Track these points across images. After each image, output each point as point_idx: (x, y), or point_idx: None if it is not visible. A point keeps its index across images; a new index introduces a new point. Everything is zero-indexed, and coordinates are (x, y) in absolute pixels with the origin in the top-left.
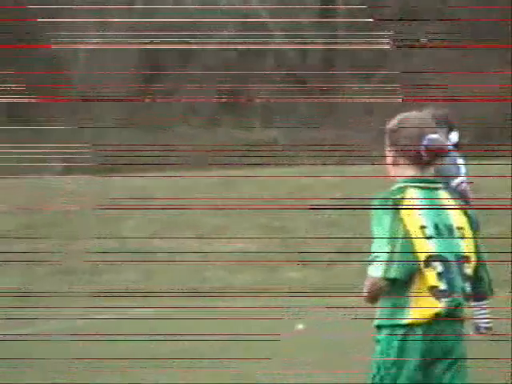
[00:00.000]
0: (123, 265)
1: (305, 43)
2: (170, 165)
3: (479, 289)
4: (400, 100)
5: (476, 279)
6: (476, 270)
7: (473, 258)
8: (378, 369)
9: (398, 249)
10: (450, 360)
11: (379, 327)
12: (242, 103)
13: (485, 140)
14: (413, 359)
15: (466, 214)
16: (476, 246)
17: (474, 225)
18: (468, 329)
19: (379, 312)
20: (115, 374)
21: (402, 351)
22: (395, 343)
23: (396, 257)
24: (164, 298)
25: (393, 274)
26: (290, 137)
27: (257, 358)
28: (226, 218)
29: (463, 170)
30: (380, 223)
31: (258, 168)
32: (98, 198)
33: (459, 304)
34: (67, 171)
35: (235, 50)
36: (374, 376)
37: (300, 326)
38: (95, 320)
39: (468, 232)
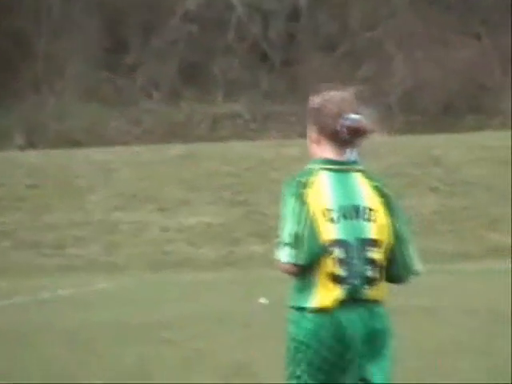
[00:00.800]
0: (87, 238)
1: (267, 17)
2: (135, 139)
3: (396, 271)
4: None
5: (393, 261)
6: (393, 252)
7: (384, 240)
8: (290, 348)
9: (303, 233)
10: (369, 346)
11: (291, 307)
12: (205, 77)
13: (449, 113)
14: (323, 342)
15: (382, 194)
16: (394, 227)
17: (391, 207)
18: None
19: (291, 293)
20: (82, 346)
21: (311, 334)
22: (304, 325)
23: (302, 242)
24: (128, 270)
25: (298, 260)
26: (253, 111)
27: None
28: (189, 192)
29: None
30: (288, 206)
31: (222, 142)
32: (61, 172)
33: (358, 289)
34: (31, 146)
35: (197, 23)
36: (287, 356)
37: (263, 300)
38: (61, 293)
39: (380, 214)
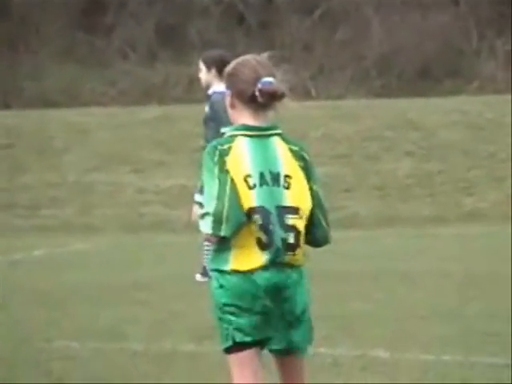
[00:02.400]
0: (62, 199)
1: None
2: (110, 100)
3: (317, 235)
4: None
5: (312, 226)
6: (312, 217)
7: (303, 206)
8: (215, 309)
9: (225, 202)
10: (289, 308)
11: (212, 270)
12: (181, 39)
13: (426, 77)
14: (240, 303)
15: (300, 158)
16: (312, 191)
17: (308, 171)
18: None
19: (211, 256)
20: (56, 307)
21: (228, 294)
22: (224, 286)
23: (223, 211)
24: (103, 232)
25: (222, 232)
26: None
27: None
28: (164, 154)
29: None
30: (208, 176)
31: (198, 104)
32: (36, 133)
33: (280, 255)
34: (5, 106)
35: None
36: (215, 315)
37: None
38: (35, 253)
39: (299, 180)
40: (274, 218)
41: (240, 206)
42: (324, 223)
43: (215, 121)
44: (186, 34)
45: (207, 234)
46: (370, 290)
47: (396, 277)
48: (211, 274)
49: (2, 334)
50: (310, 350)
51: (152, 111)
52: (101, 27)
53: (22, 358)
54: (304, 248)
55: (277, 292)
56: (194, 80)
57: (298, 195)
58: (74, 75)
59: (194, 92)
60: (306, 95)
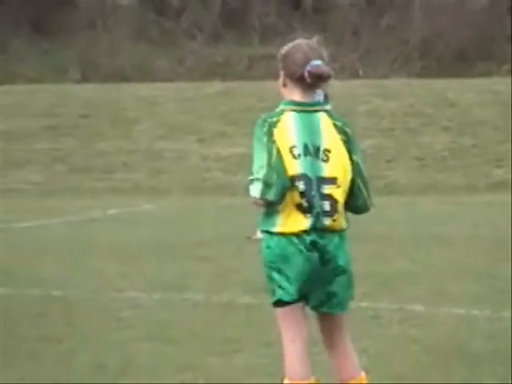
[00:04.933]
0: (133, 164)
1: None
2: (178, 76)
3: (357, 202)
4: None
5: (353, 194)
6: (352, 186)
7: (341, 177)
8: (265, 267)
9: (273, 169)
10: (330, 268)
11: (261, 231)
12: (243, 22)
13: (461, 60)
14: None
15: (343, 132)
16: (352, 164)
17: (350, 145)
18: None
19: (261, 218)
20: (127, 261)
21: (276, 254)
22: (272, 246)
23: (271, 177)
24: (169, 194)
25: (269, 195)
26: None
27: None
28: (226, 125)
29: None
30: (258, 145)
31: (257, 81)
32: (111, 104)
33: (320, 220)
34: (84, 80)
35: None
36: (265, 273)
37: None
38: (109, 213)
39: (339, 153)
40: (313, 186)
41: (285, 173)
42: (364, 191)
43: None
44: (248, 18)
45: (255, 198)
46: (409, 251)
47: (432, 239)
48: (259, 234)
49: (77, 284)
50: (352, 304)
51: (215, 87)
52: (170, 10)
53: (95, 306)
54: (344, 214)
55: (319, 254)
56: (254, 59)
57: (337, 167)
58: (146, 53)
59: (254, 70)
60: (354, 75)
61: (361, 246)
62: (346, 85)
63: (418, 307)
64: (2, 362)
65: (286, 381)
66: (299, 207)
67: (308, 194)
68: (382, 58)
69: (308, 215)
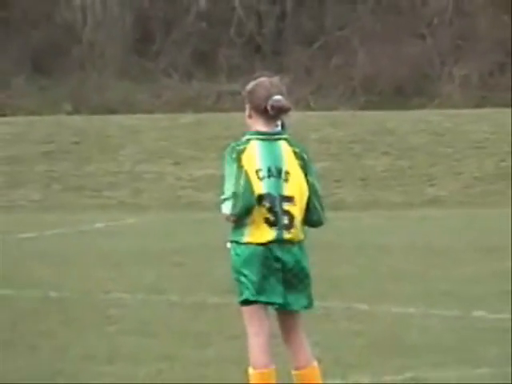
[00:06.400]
0: (118, 184)
1: (261, 17)
2: (157, 108)
3: (313, 217)
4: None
5: (309, 210)
6: (308, 203)
7: (298, 196)
8: (233, 273)
9: (240, 189)
10: (290, 274)
11: (230, 241)
12: (212, 63)
13: (399, 95)
14: (249, 268)
15: (300, 157)
16: (308, 184)
17: (307, 168)
18: None
19: (230, 231)
20: (113, 267)
21: (243, 260)
22: (239, 253)
23: (239, 196)
24: (150, 210)
25: (237, 211)
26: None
27: None
28: (198, 151)
29: None
30: (228, 169)
31: (224, 113)
32: (99, 133)
33: (281, 233)
34: (76, 112)
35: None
36: (234, 278)
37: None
38: (97, 226)
39: (297, 175)
40: (277, 203)
41: (252, 192)
42: (319, 208)
43: None
44: (216, 59)
45: (227, 215)
46: (354, 258)
47: (374, 248)
48: (229, 244)
49: (70, 286)
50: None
51: (188, 117)
52: (150, 52)
53: (86, 306)
54: (301, 227)
55: (280, 261)
56: (221, 94)
57: (294, 187)
58: (129, 89)
59: (221, 103)
60: (306, 107)
61: (313, 254)
62: (300, 115)
63: (363, 306)
64: (4, 353)
65: (250, 369)
66: (266, 221)
67: (274, 209)
68: (330, 92)
69: (274, 228)
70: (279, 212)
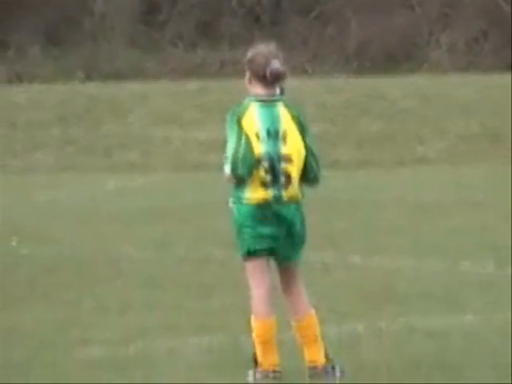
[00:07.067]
0: (129, 146)
1: None
2: (164, 75)
3: (310, 176)
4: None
5: (306, 169)
6: (305, 163)
7: (296, 156)
8: (235, 229)
9: (241, 150)
10: (288, 230)
11: (232, 202)
12: (215, 32)
13: (390, 61)
14: (249, 223)
15: (297, 120)
16: (304, 145)
17: (303, 130)
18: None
19: (231, 192)
20: (124, 225)
21: (244, 217)
22: (241, 210)
23: (240, 157)
24: (158, 171)
25: (239, 172)
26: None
27: None
28: (202, 114)
29: None
30: (229, 131)
31: (226, 79)
32: (111, 98)
33: (279, 191)
34: (89, 79)
35: None
36: (235, 234)
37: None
38: (108, 186)
39: (294, 136)
40: (275, 163)
41: (252, 152)
42: (315, 167)
43: None
44: (219, 29)
45: (228, 175)
46: (349, 214)
47: (368, 204)
48: (231, 203)
49: (83, 244)
50: (304, 257)
51: (193, 84)
52: (157, 23)
53: (99, 261)
54: (298, 186)
55: (279, 218)
56: (224, 62)
57: (292, 147)
58: (138, 58)
59: (224, 70)
60: (303, 73)
61: (311, 210)
62: (297, 82)
63: (357, 258)
64: (21, 306)
65: (252, 318)
66: (265, 180)
67: (272, 169)
68: (326, 60)
69: (272, 187)
70: (278, 171)
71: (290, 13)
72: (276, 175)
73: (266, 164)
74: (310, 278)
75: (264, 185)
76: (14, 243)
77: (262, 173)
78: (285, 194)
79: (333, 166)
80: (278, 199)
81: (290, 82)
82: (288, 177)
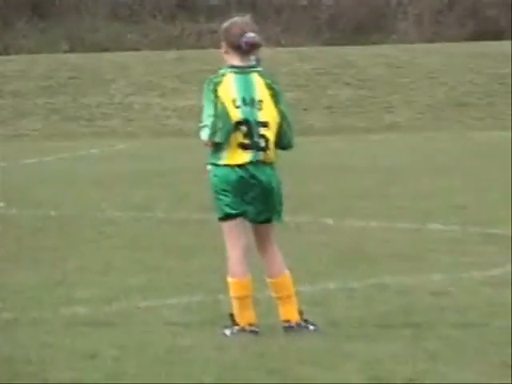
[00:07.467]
0: (111, 114)
1: None
2: (144, 46)
3: (284, 141)
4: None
5: (280, 134)
6: (279, 128)
7: (271, 121)
8: (212, 191)
9: (218, 117)
10: (264, 191)
11: (209, 164)
12: (193, 5)
13: (360, 32)
14: (227, 186)
15: (271, 88)
16: (278, 112)
17: (277, 97)
18: None
19: (209, 154)
20: (106, 188)
21: (221, 180)
22: (217, 174)
23: (217, 124)
24: (138, 136)
25: (216, 137)
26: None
27: None
28: (181, 83)
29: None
30: (206, 99)
31: (204, 49)
32: (93, 69)
33: (258, 154)
34: (72, 50)
35: None
36: (213, 196)
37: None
38: (92, 151)
39: (268, 103)
40: (254, 128)
41: (229, 118)
42: (289, 132)
43: None
44: (196, 1)
45: (205, 140)
46: (321, 177)
47: (339, 168)
48: (209, 166)
49: (68, 206)
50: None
51: (172, 54)
52: None
53: (82, 223)
54: (274, 150)
55: (256, 179)
56: (201, 33)
57: (268, 114)
58: (119, 29)
59: (201, 41)
60: (277, 43)
61: (285, 174)
62: (271, 51)
63: (329, 220)
64: (9, 266)
65: (229, 278)
66: (242, 145)
67: (250, 134)
68: (299, 30)
69: (250, 150)
70: (255, 136)
71: None
72: (253, 140)
73: (244, 128)
74: (284, 239)
75: (243, 147)
76: (1, 204)
77: (240, 137)
78: (264, 157)
79: (305, 131)
80: (256, 162)
81: (265, 52)
82: (266, 141)
